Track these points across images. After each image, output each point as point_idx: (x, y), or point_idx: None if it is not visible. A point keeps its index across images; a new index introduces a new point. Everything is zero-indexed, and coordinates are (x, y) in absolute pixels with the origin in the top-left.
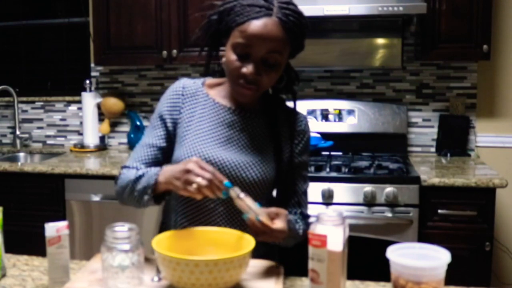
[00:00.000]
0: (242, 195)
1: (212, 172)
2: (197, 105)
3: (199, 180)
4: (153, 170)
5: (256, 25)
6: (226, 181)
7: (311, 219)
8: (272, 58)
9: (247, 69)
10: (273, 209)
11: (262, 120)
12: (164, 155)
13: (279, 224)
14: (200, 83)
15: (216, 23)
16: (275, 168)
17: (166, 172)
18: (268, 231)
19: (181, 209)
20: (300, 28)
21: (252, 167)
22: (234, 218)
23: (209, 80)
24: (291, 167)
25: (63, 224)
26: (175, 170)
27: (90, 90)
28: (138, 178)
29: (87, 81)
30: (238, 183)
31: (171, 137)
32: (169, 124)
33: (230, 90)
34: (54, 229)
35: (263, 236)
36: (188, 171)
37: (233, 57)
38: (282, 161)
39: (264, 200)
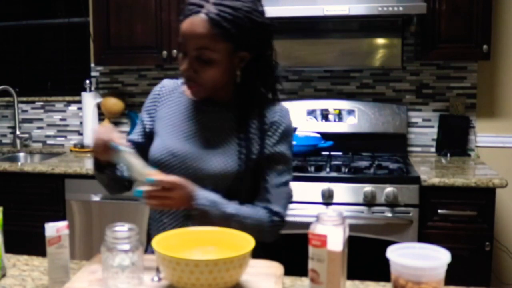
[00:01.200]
0: (131, 151)
1: (102, 138)
2: (173, 102)
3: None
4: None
5: (185, 23)
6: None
7: (312, 220)
8: (204, 55)
9: (182, 66)
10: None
11: (233, 114)
12: (141, 150)
13: (170, 177)
14: (180, 82)
15: None
16: (241, 161)
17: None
18: (164, 183)
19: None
20: (234, 23)
21: (211, 159)
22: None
23: None
24: (263, 160)
25: (63, 224)
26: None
27: (90, 90)
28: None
29: (87, 81)
30: (198, 174)
31: (147, 134)
32: (147, 122)
33: None
34: (54, 229)
35: (162, 197)
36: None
37: (179, 55)
38: (250, 154)
39: (228, 193)
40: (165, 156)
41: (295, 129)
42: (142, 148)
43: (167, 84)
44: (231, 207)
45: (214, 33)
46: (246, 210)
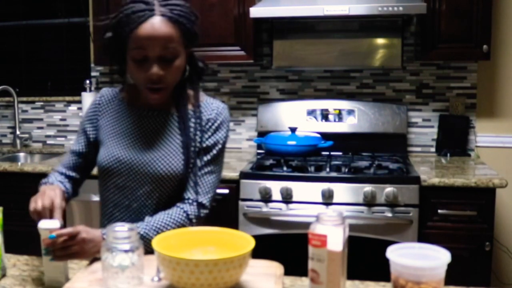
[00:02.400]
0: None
1: (42, 207)
2: (113, 110)
3: (33, 204)
4: (50, 184)
5: (144, 28)
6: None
7: (312, 220)
8: (168, 53)
9: (151, 71)
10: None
11: (171, 117)
12: (87, 159)
13: (69, 229)
14: (118, 89)
15: (113, 40)
16: (184, 161)
17: (41, 189)
18: (64, 234)
19: (103, 209)
20: (186, 18)
21: (158, 162)
22: (146, 214)
23: (125, 84)
24: (203, 155)
25: (56, 223)
26: (39, 192)
27: (90, 90)
28: (41, 184)
29: (87, 81)
30: (147, 178)
31: (92, 143)
32: (90, 132)
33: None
34: (47, 231)
35: (66, 248)
36: (39, 194)
37: (134, 66)
38: (192, 154)
39: (174, 194)
40: (112, 164)
41: (227, 126)
42: (86, 156)
43: (106, 93)
44: (141, 228)
45: (175, 29)
46: (159, 222)
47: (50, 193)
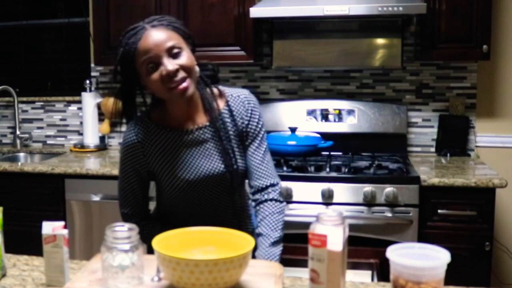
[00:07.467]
0: None
1: None
2: (156, 141)
3: None
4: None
5: (142, 41)
6: None
7: (312, 220)
8: (173, 48)
9: (166, 68)
10: None
11: (208, 129)
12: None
13: None
14: (146, 119)
15: (126, 74)
16: (235, 160)
17: None
18: None
19: (170, 218)
20: (174, 22)
21: (235, 164)
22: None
23: (152, 112)
24: (251, 141)
25: (59, 224)
26: None
27: (90, 90)
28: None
29: (87, 81)
30: (228, 180)
31: (146, 178)
32: (142, 172)
33: (173, 110)
34: (50, 228)
35: None
36: None
37: (153, 77)
38: (231, 150)
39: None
40: (180, 189)
41: (258, 107)
42: (142, 191)
43: (138, 132)
44: (264, 239)
45: (168, 30)
46: (269, 224)
47: None
